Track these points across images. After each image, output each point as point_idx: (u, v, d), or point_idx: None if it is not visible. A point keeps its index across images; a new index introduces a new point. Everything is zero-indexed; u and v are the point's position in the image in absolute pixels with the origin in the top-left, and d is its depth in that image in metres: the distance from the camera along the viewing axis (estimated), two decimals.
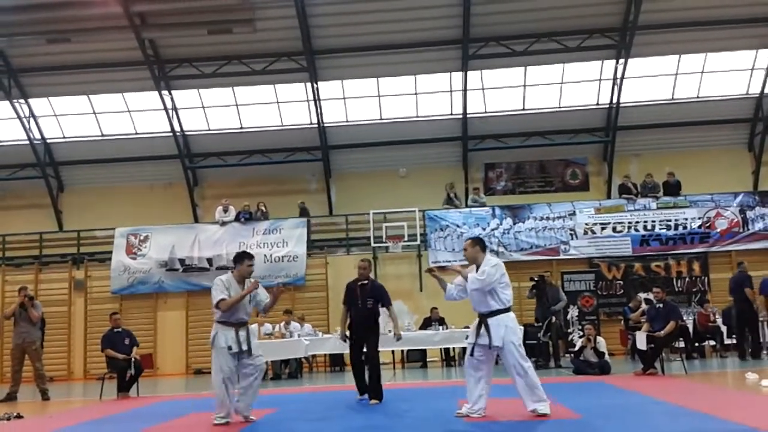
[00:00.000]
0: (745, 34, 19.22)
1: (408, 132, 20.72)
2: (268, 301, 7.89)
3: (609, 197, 20.05)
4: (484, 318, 7.06)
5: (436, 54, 19.51)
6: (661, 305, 12.12)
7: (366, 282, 9.33)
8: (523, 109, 20.58)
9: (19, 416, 9.13)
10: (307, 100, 20.19)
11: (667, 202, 18.65)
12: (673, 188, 18.86)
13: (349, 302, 9.39)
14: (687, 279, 18.24)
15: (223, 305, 7.45)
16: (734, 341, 16.03)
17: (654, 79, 20.11)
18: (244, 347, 7.52)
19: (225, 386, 7.48)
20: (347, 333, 9.56)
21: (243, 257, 7.86)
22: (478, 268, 7.14)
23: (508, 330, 6.99)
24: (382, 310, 9.60)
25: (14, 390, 12.15)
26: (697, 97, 20.37)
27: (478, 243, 7.34)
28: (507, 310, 7.07)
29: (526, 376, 6.93)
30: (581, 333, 14.71)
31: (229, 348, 7.45)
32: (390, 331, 10.49)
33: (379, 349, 9.51)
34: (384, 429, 7.08)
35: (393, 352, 15.61)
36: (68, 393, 14.66)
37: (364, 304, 9.21)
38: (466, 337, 7.53)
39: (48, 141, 21.20)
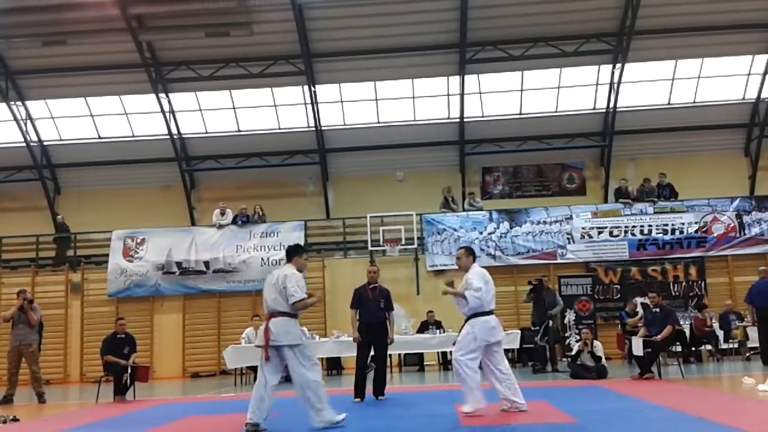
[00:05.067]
0: (742, 39, 19.29)
1: (405, 135, 20.73)
2: None
3: (606, 201, 20.08)
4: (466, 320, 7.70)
5: (433, 58, 19.53)
6: (657, 310, 12.13)
7: (376, 285, 10.00)
8: (520, 114, 20.60)
9: (15, 419, 9.12)
10: (305, 103, 20.20)
11: (663, 206, 18.68)
12: (664, 190, 18.92)
13: (360, 305, 9.96)
14: (684, 283, 18.25)
15: (301, 305, 7.10)
16: (731, 345, 16.12)
17: (651, 83, 20.17)
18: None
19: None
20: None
21: (300, 251, 7.61)
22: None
23: (477, 330, 7.52)
24: None
25: (10, 393, 12.13)
26: (694, 102, 20.43)
27: (472, 253, 8.00)
28: (484, 314, 7.59)
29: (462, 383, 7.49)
30: (578, 337, 14.72)
31: None
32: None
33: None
34: None
35: (390, 355, 15.59)
36: (64, 396, 14.62)
37: (377, 305, 9.87)
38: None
39: (45, 143, 21.17)
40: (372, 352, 10.07)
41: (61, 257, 19.93)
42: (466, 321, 7.68)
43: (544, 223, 18.70)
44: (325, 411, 6.91)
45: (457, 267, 8.06)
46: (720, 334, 16.01)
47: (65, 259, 19.87)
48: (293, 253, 7.49)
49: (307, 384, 6.92)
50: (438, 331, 15.68)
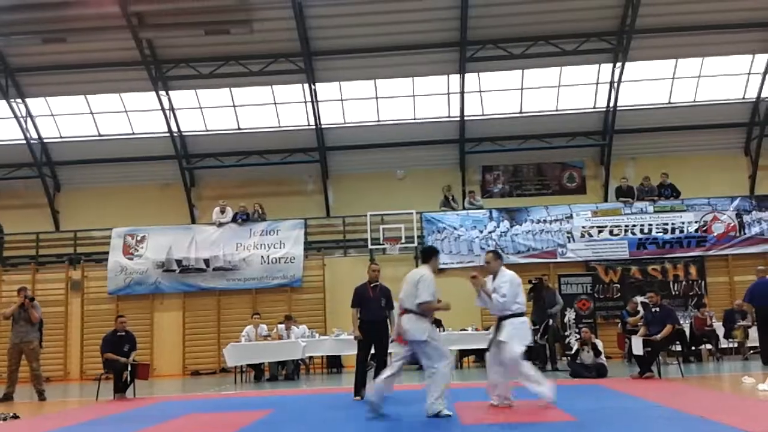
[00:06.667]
0: (742, 38, 19.27)
1: (405, 134, 20.72)
2: None
3: (606, 200, 20.08)
4: (500, 320, 7.96)
5: (433, 56, 19.51)
6: (657, 309, 12.15)
7: (377, 284, 10.08)
8: (521, 112, 20.59)
9: (15, 417, 9.12)
10: (305, 102, 20.18)
11: (664, 205, 18.69)
12: (666, 190, 18.93)
13: (361, 303, 10.01)
14: (684, 282, 18.26)
15: (425, 307, 7.55)
16: (731, 345, 16.12)
17: (651, 82, 20.15)
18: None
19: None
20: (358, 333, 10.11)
21: (435, 253, 8.14)
22: (494, 276, 8.07)
23: (515, 330, 7.77)
24: None
25: (10, 390, 12.13)
26: (694, 101, 20.42)
27: (500, 257, 8.35)
28: (519, 314, 7.92)
29: (519, 375, 7.81)
30: (578, 336, 14.73)
31: None
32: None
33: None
34: (381, 431, 7.09)
35: (390, 354, 15.59)
36: (64, 394, 14.63)
37: (378, 304, 9.94)
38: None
39: (45, 141, 21.15)
40: (372, 351, 10.08)
41: None
42: (500, 320, 7.94)
43: (544, 221, 18.71)
44: (437, 403, 7.34)
45: (486, 270, 8.29)
46: (721, 331, 16.00)
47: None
48: (429, 254, 8.07)
49: (429, 374, 7.50)
50: (438, 329, 15.65)
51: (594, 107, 20.47)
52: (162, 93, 19.90)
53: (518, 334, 7.79)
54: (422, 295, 7.46)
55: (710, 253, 18.42)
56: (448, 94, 20.21)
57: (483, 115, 20.59)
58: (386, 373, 7.75)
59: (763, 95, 20.17)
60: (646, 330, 12.11)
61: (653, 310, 12.23)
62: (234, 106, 20.56)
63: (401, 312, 7.71)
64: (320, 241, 19.93)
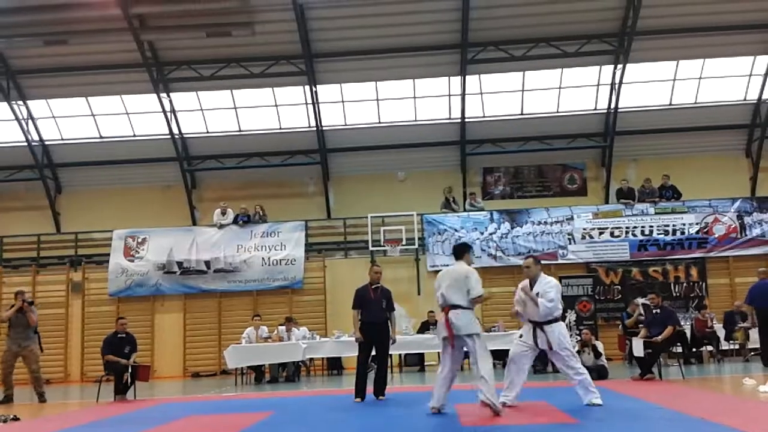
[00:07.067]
0: (743, 40, 19.27)
1: (406, 136, 20.73)
2: None
3: (607, 202, 20.08)
4: (538, 325, 8.07)
5: (434, 58, 19.52)
6: (658, 311, 12.14)
7: (378, 285, 10.09)
8: (521, 114, 20.59)
9: (15, 418, 9.12)
10: (306, 104, 20.20)
11: (665, 207, 18.69)
12: (668, 192, 18.94)
13: (362, 305, 10.00)
14: (685, 284, 18.26)
15: (480, 300, 7.76)
16: (732, 346, 16.10)
17: (652, 84, 20.16)
18: None
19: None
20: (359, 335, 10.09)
21: (469, 248, 8.27)
22: (532, 282, 8.17)
23: (561, 336, 8.07)
24: None
25: (9, 393, 12.07)
26: (695, 102, 20.42)
27: (539, 262, 8.46)
28: (557, 320, 8.11)
29: (579, 376, 8.11)
30: (579, 338, 14.71)
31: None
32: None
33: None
34: None
35: (391, 355, 15.59)
36: (65, 395, 14.63)
37: (379, 306, 9.95)
38: (520, 336, 8.47)
39: (46, 143, 21.18)
40: (373, 352, 10.08)
41: None
42: (542, 325, 8.05)
43: (545, 223, 18.71)
44: (492, 397, 7.39)
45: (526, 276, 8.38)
46: (722, 333, 15.99)
47: None
48: (463, 251, 8.14)
49: (480, 370, 7.47)
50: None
51: (595, 109, 20.47)
52: (163, 95, 19.91)
53: (565, 338, 8.16)
54: (477, 288, 7.64)
55: (711, 254, 18.41)
56: (449, 95, 20.22)
57: (484, 116, 20.59)
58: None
59: (764, 97, 20.16)
60: (646, 331, 12.10)
61: (654, 311, 12.23)
62: (235, 108, 20.57)
63: (446, 309, 7.71)
64: (321, 242, 19.94)
